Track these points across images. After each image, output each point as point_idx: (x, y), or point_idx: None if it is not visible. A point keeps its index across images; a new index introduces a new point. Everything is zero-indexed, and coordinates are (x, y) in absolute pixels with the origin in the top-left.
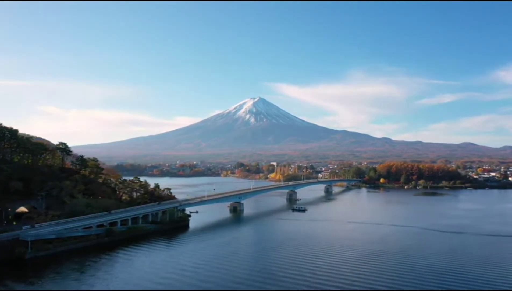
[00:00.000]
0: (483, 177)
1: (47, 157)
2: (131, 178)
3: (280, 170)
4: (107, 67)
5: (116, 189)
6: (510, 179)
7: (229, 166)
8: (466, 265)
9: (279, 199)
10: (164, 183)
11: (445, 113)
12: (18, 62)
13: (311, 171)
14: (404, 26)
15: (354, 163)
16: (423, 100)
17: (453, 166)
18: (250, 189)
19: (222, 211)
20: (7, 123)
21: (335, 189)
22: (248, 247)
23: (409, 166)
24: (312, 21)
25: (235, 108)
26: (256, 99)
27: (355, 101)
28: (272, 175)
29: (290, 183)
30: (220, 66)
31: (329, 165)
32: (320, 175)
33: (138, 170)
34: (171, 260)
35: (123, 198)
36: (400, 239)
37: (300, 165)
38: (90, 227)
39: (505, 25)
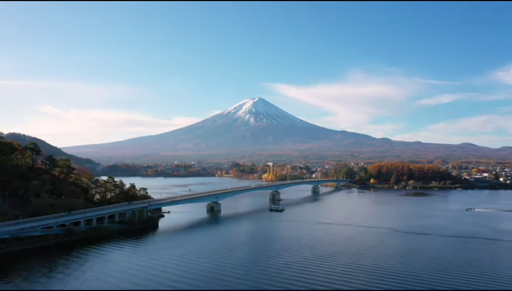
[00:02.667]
0: (474, 178)
1: (18, 156)
2: (105, 178)
3: (273, 170)
4: (106, 68)
5: (89, 189)
6: (501, 179)
7: (226, 166)
8: (415, 267)
9: (262, 199)
10: (157, 183)
11: (445, 114)
12: (17, 63)
13: (305, 171)
14: (402, 26)
15: (352, 163)
16: (422, 101)
17: (449, 166)
18: (228, 189)
19: (199, 211)
20: (6, 123)
21: (324, 190)
22: (204, 247)
23: (400, 166)
24: (310, 22)
25: (234, 108)
26: (255, 100)
27: (354, 102)
28: (265, 175)
29: (274, 183)
30: (220, 66)
31: (325, 165)
32: (314, 175)
33: (133, 170)
34: (120, 260)
35: (97, 198)
36: (362, 240)
37: (297, 165)
38: (51, 227)
39: (504, 25)
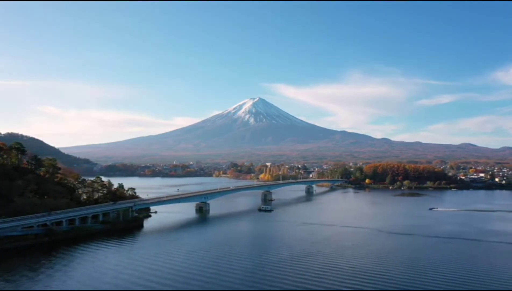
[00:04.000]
0: (470, 178)
1: (4, 156)
2: (92, 178)
3: (269, 170)
4: (106, 68)
5: (75, 189)
6: (496, 179)
7: (224, 166)
8: (388, 267)
9: (254, 199)
10: (153, 183)
11: (444, 114)
12: (17, 63)
13: (303, 171)
14: (401, 26)
15: (351, 164)
16: (421, 101)
17: (447, 166)
18: (217, 189)
19: (187, 211)
20: (5, 124)
21: (319, 190)
22: (178, 248)
23: (395, 166)
24: (309, 22)
25: (234, 108)
26: (255, 100)
27: (354, 102)
28: (261, 175)
29: (266, 183)
30: (220, 66)
31: (323, 165)
32: (311, 175)
33: (131, 170)
34: (95, 259)
35: (84, 198)
36: (343, 240)
37: (296, 165)
38: (32, 227)
39: (503, 25)
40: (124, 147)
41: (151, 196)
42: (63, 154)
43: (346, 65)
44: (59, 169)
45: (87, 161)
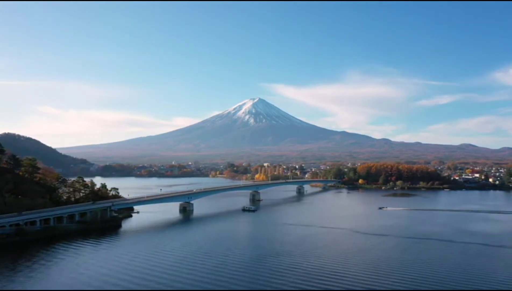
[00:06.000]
0: (464, 178)
1: None
2: (73, 178)
3: (265, 170)
4: (106, 68)
5: (55, 189)
6: (490, 180)
7: (221, 166)
8: (352, 266)
9: (242, 199)
10: (148, 183)
11: (444, 115)
12: (16, 63)
13: (299, 171)
14: (400, 27)
15: (349, 164)
16: (421, 102)
17: (445, 167)
18: (201, 189)
19: (171, 211)
20: (4, 124)
21: (312, 190)
22: (144, 249)
23: (389, 166)
24: (308, 22)
25: (234, 109)
26: (255, 100)
27: (353, 102)
28: (257, 176)
29: (255, 183)
30: (219, 67)
31: (321, 166)
32: (306, 176)
33: (127, 170)
34: (58, 260)
35: (65, 198)
36: (316, 241)
37: (293, 165)
38: (4, 227)
39: (502, 25)
40: (124, 147)
41: (140, 195)
42: (60, 154)
43: (346, 65)
44: (39, 168)
45: (84, 161)
